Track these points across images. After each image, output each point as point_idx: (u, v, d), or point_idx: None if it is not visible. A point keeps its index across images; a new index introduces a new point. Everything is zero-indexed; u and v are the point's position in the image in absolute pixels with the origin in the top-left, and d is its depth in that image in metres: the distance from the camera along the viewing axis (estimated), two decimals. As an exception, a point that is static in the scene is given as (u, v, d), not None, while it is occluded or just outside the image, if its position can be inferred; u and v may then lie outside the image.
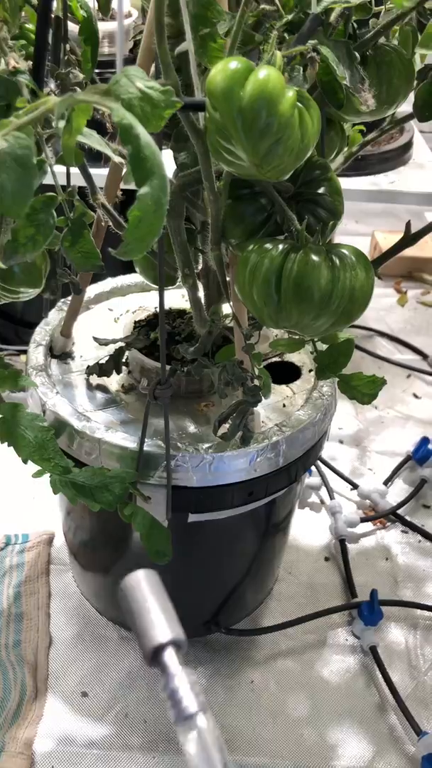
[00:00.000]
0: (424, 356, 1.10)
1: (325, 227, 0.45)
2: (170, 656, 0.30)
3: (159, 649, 0.30)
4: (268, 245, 0.43)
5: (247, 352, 0.49)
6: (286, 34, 0.44)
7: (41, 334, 0.65)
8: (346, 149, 0.67)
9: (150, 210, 0.27)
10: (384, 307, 1.21)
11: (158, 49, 0.34)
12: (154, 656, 0.30)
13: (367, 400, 0.51)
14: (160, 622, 0.31)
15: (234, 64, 0.33)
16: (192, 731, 0.29)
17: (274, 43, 0.37)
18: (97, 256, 0.44)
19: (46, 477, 0.52)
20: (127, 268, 0.67)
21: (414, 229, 0.54)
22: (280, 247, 0.43)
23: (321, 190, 0.46)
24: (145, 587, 0.32)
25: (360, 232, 1.37)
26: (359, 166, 0.97)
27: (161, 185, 0.27)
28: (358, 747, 0.64)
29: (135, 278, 0.74)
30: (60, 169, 0.56)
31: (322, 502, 0.87)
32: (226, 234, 0.46)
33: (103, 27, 0.86)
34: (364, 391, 0.51)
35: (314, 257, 0.42)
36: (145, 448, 0.55)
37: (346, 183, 0.97)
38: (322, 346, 0.52)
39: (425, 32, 0.39)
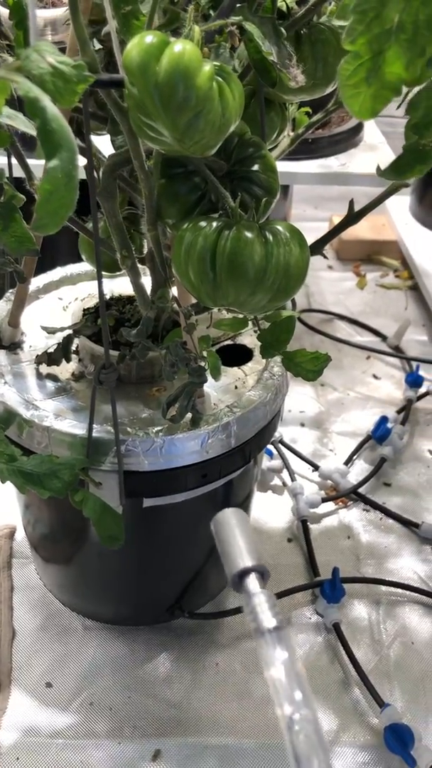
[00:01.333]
0: (383, 337, 1.11)
1: (259, 204, 0.45)
2: (252, 580, 0.34)
3: (243, 574, 0.34)
4: (203, 223, 0.43)
5: (188, 332, 0.49)
6: (212, 12, 0.44)
7: (-11, 325, 0.65)
8: (292, 132, 0.67)
9: (61, 183, 0.27)
10: (343, 291, 1.22)
11: (73, 26, 0.34)
12: (239, 579, 0.34)
13: (312, 377, 0.52)
14: (245, 551, 0.34)
15: (149, 38, 0.33)
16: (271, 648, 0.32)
17: (191, 17, 0.36)
18: (31, 240, 0.43)
19: None
20: (78, 257, 0.66)
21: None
22: (214, 224, 0.43)
23: (255, 168, 0.46)
24: (233, 522, 0.36)
25: (318, 217, 1.38)
26: (310, 149, 0.97)
27: (70, 157, 0.27)
28: (324, 722, 0.65)
29: (84, 267, 0.74)
30: (2, 160, 0.56)
31: (284, 484, 0.87)
32: (162, 214, 0.46)
33: (45, 14, 0.86)
34: (308, 367, 0.51)
35: (247, 233, 0.42)
36: (95, 434, 0.54)
37: (297, 166, 0.98)
38: (266, 325, 0.52)
39: (341, 4, 0.39)
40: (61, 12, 0.86)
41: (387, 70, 0.25)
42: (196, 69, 0.33)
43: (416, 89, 0.30)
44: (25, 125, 0.41)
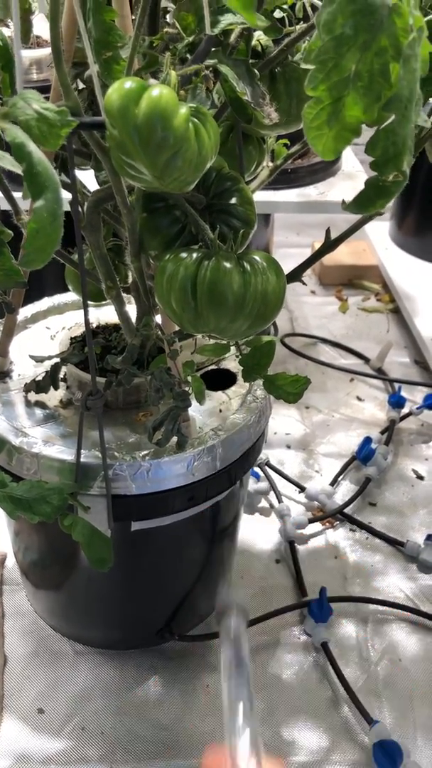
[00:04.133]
0: (366, 360, 1.13)
1: (236, 235, 0.47)
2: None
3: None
4: (183, 254, 0.45)
5: (172, 358, 0.51)
6: (189, 55, 0.46)
7: (-22, 355, 0.66)
8: (271, 163, 0.70)
9: (47, 222, 0.29)
10: (326, 315, 1.25)
11: (56, 72, 0.36)
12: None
13: (292, 399, 0.53)
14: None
15: (128, 84, 0.35)
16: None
17: (168, 63, 0.39)
18: (19, 273, 0.45)
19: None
20: (65, 287, 0.68)
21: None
22: (194, 255, 0.45)
23: (233, 201, 0.48)
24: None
25: (301, 243, 1.41)
26: (289, 179, 1.00)
27: (55, 197, 0.29)
28: (314, 740, 0.66)
29: (71, 296, 0.75)
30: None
31: (271, 506, 0.89)
32: (145, 246, 0.48)
33: (30, 54, 0.89)
34: (289, 390, 0.53)
35: (226, 264, 0.44)
36: (83, 459, 0.56)
37: (277, 195, 1.01)
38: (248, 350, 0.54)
39: (306, 49, 0.41)
40: (44, 52, 0.89)
41: (347, 114, 0.27)
42: (173, 111, 0.35)
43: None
44: (11, 164, 0.43)
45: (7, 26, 0.63)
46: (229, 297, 0.44)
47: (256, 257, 0.45)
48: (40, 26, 0.93)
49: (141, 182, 0.39)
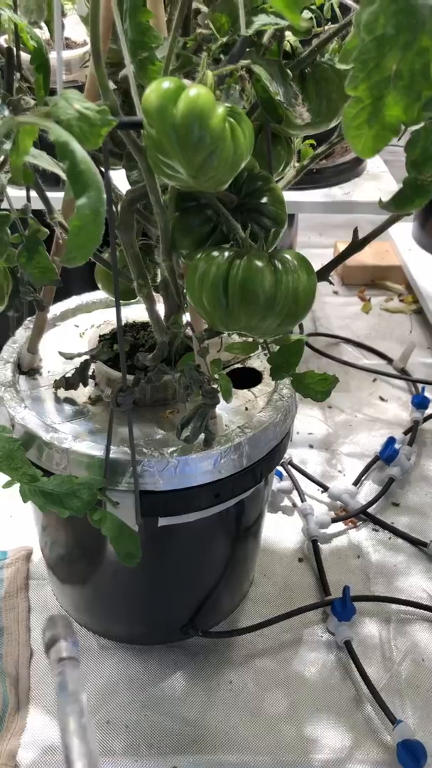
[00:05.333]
0: (389, 360, 1.13)
1: (268, 234, 0.47)
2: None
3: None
4: (215, 253, 0.45)
5: (202, 355, 0.51)
6: (222, 56, 0.46)
7: (8, 351, 0.67)
8: (297, 163, 0.70)
9: (89, 219, 0.30)
10: (349, 315, 1.25)
11: (96, 72, 0.37)
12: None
13: (320, 398, 0.54)
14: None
15: (166, 84, 0.36)
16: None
17: (205, 63, 0.39)
18: (53, 271, 0.46)
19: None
20: (94, 285, 0.69)
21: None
22: (226, 254, 0.45)
23: (264, 200, 0.49)
24: None
25: (323, 244, 1.41)
26: (315, 179, 1.01)
27: (97, 196, 0.29)
28: (336, 739, 0.66)
29: (99, 295, 0.76)
30: (22, 194, 0.59)
31: (294, 505, 0.89)
32: (176, 245, 0.48)
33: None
34: (317, 388, 0.53)
35: (257, 262, 0.44)
36: (112, 455, 0.56)
37: (302, 196, 1.01)
38: (276, 348, 0.54)
39: (342, 50, 0.42)
40: (74, 53, 0.90)
41: (387, 113, 0.28)
42: (210, 111, 0.36)
43: (414, 127, 0.33)
44: (48, 164, 0.44)
45: (40, 28, 0.64)
46: (260, 295, 0.44)
47: (288, 256, 0.46)
48: (69, 28, 0.94)
49: (177, 181, 0.39)
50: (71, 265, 0.31)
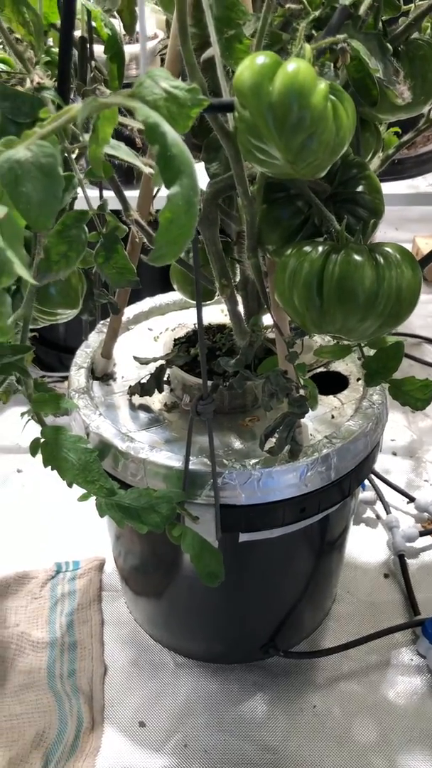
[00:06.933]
0: None
1: (365, 226, 0.43)
2: None
3: None
4: (307, 248, 0.41)
5: (290, 361, 0.47)
6: (314, 31, 0.42)
7: (82, 356, 0.65)
8: (381, 153, 0.66)
9: (181, 210, 0.26)
10: (431, 314, 1.18)
11: (182, 49, 0.34)
12: None
13: (420, 406, 0.49)
14: None
15: (261, 59, 0.32)
16: None
17: (302, 36, 0.35)
18: (132, 272, 0.43)
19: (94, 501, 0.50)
20: (166, 286, 0.66)
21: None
22: (320, 249, 0.41)
23: (359, 189, 0.44)
24: None
25: (400, 239, 1.35)
26: (396, 170, 0.95)
27: (191, 184, 0.26)
28: (431, 774, 0.61)
29: (173, 296, 0.73)
30: (93, 193, 0.56)
31: (378, 517, 0.84)
32: (263, 240, 0.45)
33: (130, 50, 0.87)
34: (417, 396, 0.48)
35: (357, 257, 0.40)
36: (191, 466, 0.53)
37: (384, 188, 0.95)
38: (370, 352, 0.50)
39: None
40: (147, 47, 0.87)
41: None
42: (311, 88, 0.32)
43: None
44: (127, 155, 0.40)
45: (114, 17, 0.61)
46: (360, 294, 0.40)
47: (389, 249, 0.41)
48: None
49: (270, 168, 0.35)
50: (160, 263, 0.27)
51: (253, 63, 0.32)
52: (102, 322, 0.67)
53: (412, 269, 0.41)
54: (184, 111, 0.29)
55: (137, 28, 0.66)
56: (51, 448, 0.49)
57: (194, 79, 0.34)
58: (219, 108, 0.36)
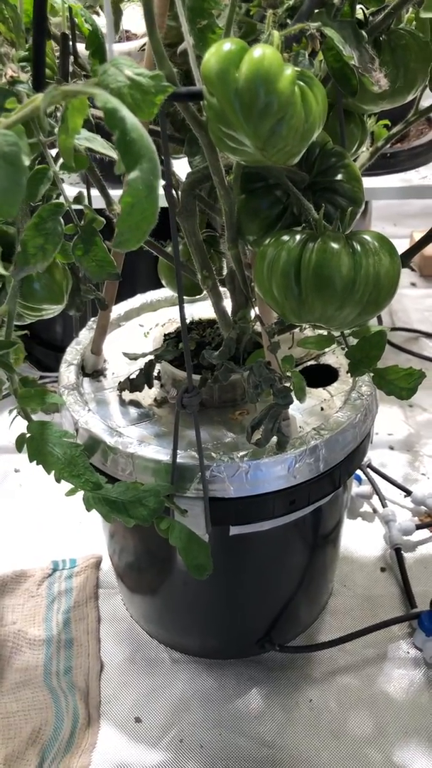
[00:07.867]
0: (473, 355, 1.06)
1: (344, 215, 0.43)
2: None
3: None
4: (285, 237, 0.41)
5: (272, 351, 0.47)
6: (288, 20, 0.42)
7: (72, 353, 0.65)
8: (371, 146, 0.65)
9: (142, 194, 0.26)
10: (429, 308, 1.18)
11: (149, 39, 0.34)
12: None
13: (405, 395, 0.49)
14: None
15: (228, 45, 0.32)
16: None
17: (270, 23, 0.35)
18: (112, 264, 0.43)
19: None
20: (159, 283, 0.66)
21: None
22: (297, 237, 0.41)
23: (338, 177, 0.44)
24: None
25: (398, 234, 1.34)
26: (389, 163, 0.95)
27: (151, 168, 0.26)
28: (428, 767, 0.60)
29: (165, 293, 0.73)
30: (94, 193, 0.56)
31: (375, 510, 0.84)
32: (243, 231, 0.45)
33: (120, 47, 0.87)
34: (401, 385, 0.48)
35: (333, 245, 0.40)
36: (179, 459, 0.53)
37: (376, 181, 0.95)
38: (354, 341, 0.50)
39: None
40: (135, 45, 0.88)
41: None
42: (277, 73, 0.32)
43: None
44: (102, 147, 0.40)
45: (97, 14, 0.62)
46: (337, 281, 0.40)
47: (367, 237, 0.41)
48: (129, 20, 0.92)
49: (242, 156, 0.35)
50: (123, 249, 0.27)
51: (220, 50, 0.32)
52: (93, 318, 0.67)
53: (390, 256, 0.41)
54: (147, 98, 0.29)
55: (122, 26, 0.66)
56: (37, 443, 0.49)
57: (162, 68, 0.34)
58: (188, 96, 0.36)
